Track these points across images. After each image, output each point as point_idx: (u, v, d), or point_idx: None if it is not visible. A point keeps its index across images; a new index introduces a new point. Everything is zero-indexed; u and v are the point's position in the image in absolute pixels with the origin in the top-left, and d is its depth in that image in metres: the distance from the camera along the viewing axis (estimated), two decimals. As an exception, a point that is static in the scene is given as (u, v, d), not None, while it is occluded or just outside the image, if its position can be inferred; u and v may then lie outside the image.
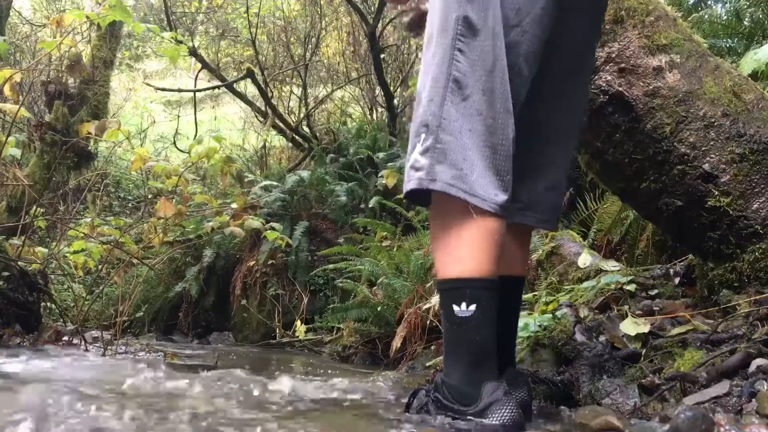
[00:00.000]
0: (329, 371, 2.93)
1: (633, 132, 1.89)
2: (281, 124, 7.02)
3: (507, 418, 1.23)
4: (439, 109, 1.34)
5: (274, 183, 5.95)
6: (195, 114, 7.52)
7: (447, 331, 1.35)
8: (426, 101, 1.37)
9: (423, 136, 1.36)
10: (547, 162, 1.60)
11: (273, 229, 3.69)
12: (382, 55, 6.61)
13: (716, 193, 1.81)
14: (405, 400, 1.46)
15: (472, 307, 1.29)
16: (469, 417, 1.26)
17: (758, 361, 1.41)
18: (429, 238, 1.72)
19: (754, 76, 2.94)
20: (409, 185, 1.37)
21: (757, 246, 1.77)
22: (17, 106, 2.94)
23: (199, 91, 7.65)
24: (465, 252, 1.32)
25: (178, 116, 8.29)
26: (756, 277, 1.77)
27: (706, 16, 4.21)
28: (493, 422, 1.23)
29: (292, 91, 7.97)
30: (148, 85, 8.37)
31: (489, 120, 1.33)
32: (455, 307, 1.30)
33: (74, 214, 4.57)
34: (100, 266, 3.66)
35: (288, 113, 7.47)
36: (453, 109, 1.34)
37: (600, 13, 1.68)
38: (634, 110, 1.88)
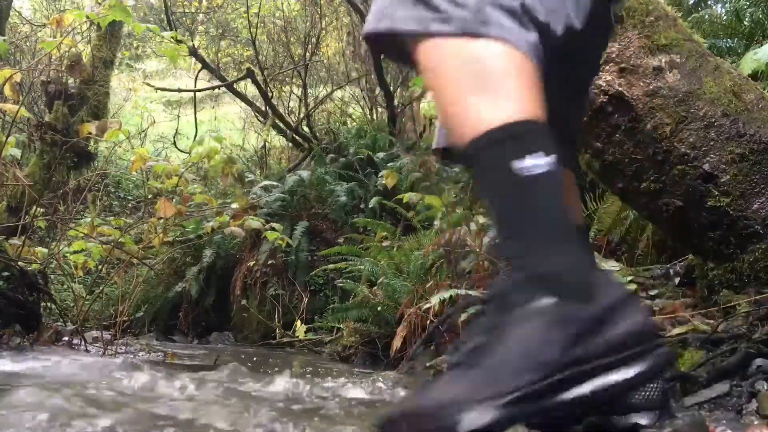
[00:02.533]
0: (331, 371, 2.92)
1: (633, 132, 1.89)
2: (281, 124, 7.01)
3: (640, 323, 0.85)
4: None
5: (274, 183, 5.94)
6: (195, 114, 7.52)
7: (506, 207, 0.91)
8: None
9: None
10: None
11: (273, 229, 3.69)
12: (382, 55, 6.60)
13: (716, 193, 1.81)
14: None
15: (550, 158, 0.87)
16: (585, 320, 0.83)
17: (758, 361, 1.42)
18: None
19: (754, 76, 2.94)
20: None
21: (757, 246, 1.77)
22: (17, 106, 2.94)
23: (199, 91, 7.65)
24: (512, 85, 0.89)
25: (178, 116, 8.29)
26: (756, 277, 1.77)
27: (706, 16, 4.22)
28: (621, 331, 0.83)
29: (292, 91, 7.96)
30: (148, 85, 8.37)
31: None
32: (516, 165, 0.87)
33: (74, 214, 4.57)
34: (100, 266, 3.66)
35: (288, 113, 7.46)
36: None
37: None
38: (634, 110, 1.88)
